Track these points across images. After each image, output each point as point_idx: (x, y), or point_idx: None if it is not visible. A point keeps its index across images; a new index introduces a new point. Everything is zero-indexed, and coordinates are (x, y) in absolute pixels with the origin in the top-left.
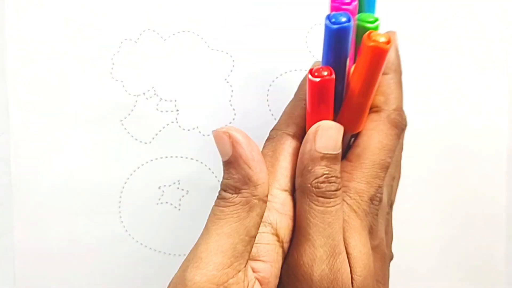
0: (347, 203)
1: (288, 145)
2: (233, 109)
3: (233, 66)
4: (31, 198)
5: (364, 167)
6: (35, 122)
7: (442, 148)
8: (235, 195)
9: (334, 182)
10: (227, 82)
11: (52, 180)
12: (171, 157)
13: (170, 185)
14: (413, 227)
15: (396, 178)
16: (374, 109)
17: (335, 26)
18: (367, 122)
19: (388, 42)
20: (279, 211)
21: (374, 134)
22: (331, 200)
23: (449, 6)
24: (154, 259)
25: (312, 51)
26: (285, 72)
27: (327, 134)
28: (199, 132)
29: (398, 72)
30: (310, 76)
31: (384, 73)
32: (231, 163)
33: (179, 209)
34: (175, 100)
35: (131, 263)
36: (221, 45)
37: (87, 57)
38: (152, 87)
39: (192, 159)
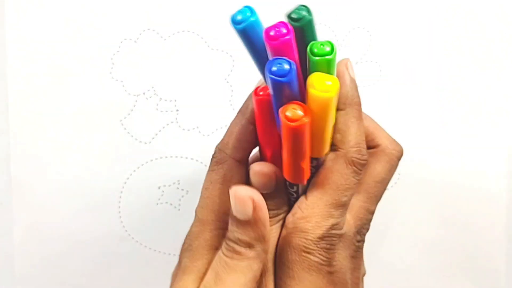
0: (293, 243)
1: (237, 173)
2: (233, 109)
3: (233, 66)
4: (30, 198)
5: (315, 207)
6: (35, 122)
7: (442, 147)
8: (249, 250)
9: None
10: (227, 82)
11: (51, 180)
12: (171, 157)
13: (170, 185)
14: (414, 228)
15: (373, 211)
16: (332, 147)
17: (281, 79)
18: (325, 160)
19: (306, 113)
20: None
21: (329, 174)
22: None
23: (449, 6)
24: (154, 259)
25: None
26: None
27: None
28: (199, 132)
29: (355, 106)
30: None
31: (339, 109)
32: (249, 224)
33: (179, 209)
34: (175, 100)
35: (131, 263)
36: (221, 45)
37: (87, 57)
38: (152, 87)
39: (192, 159)
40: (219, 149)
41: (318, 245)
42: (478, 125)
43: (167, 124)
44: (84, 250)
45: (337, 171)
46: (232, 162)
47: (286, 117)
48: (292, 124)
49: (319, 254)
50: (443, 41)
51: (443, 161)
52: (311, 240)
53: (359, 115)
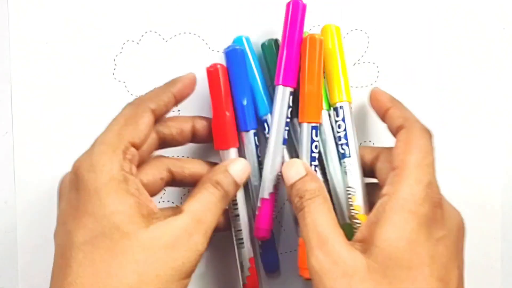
0: (393, 202)
1: (147, 116)
2: None
3: None
4: (34, 197)
5: (410, 168)
6: (38, 122)
7: (441, 147)
8: (226, 197)
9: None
10: None
11: (55, 179)
12: (172, 156)
13: None
14: None
15: None
16: (399, 128)
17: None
18: (399, 137)
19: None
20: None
21: (408, 139)
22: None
23: (449, 6)
24: None
25: None
26: None
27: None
28: None
29: (400, 103)
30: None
31: (390, 109)
32: (238, 186)
33: None
34: None
35: None
36: (222, 47)
37: (90, 58)
38: (154, 88)
39: (192, 158)
40: (137, 97)
41: (426, 195)
42: (478, 125)
43: None
44: None
45: (414, 135)
46: (146, 107)
47: (309, 35)
48: (318, 36)
49: (430, 207)
50: (443, 41)
51: (442, 161)
52: (419, 191)
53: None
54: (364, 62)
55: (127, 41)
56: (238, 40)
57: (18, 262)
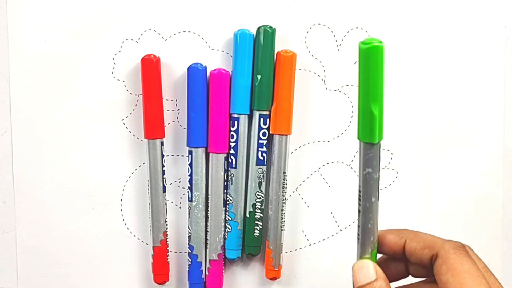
0: None
1: None
2: None
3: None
4: (33, 197)
5: None
6: (37, 121)
7: (440, 148)
8: None
9: None
10: None
11: (54, 179)
12: (172, 155)
13: (171, 184)
14: (411, 227)
15: None
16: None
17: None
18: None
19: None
20: None
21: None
22: None
23: (450, 4)
24: None
25: (311, 51)
26: None
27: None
28: None
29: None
30: None
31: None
32: None
33: (180, 207)
34: (176, 100)
35: (133, 261)
36: (221, 45)
37: (89, 57)
38: None
39: None
40: None
41: None
42: (478, 124)
43: (168, 123)
44: (86, 247)
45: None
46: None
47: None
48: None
49: None
50: (442, 40)
51: (441, 161)
52: None
53: None
54: None
55: (126, 39)
56: (241, 35)
57: (17, 262)
